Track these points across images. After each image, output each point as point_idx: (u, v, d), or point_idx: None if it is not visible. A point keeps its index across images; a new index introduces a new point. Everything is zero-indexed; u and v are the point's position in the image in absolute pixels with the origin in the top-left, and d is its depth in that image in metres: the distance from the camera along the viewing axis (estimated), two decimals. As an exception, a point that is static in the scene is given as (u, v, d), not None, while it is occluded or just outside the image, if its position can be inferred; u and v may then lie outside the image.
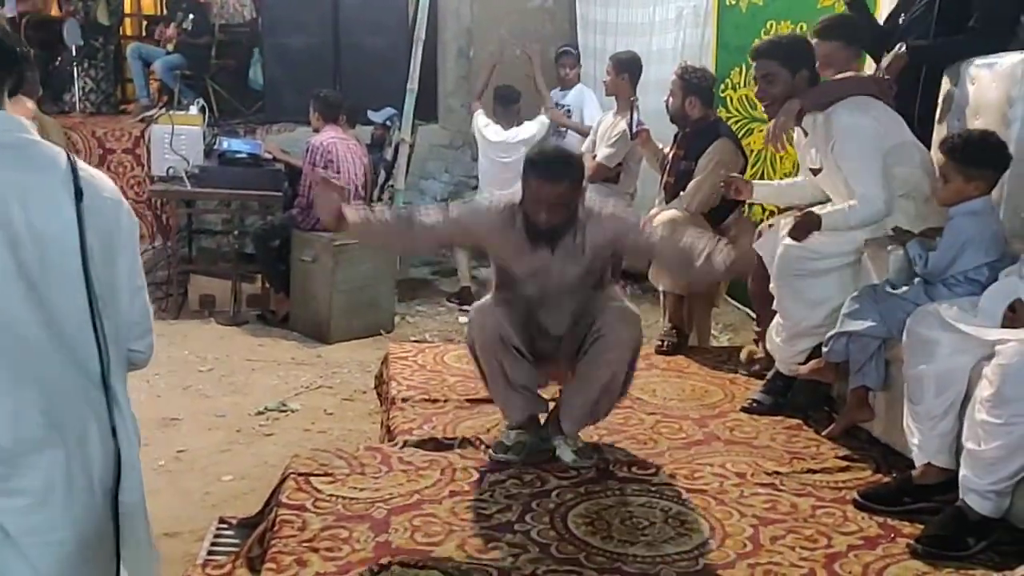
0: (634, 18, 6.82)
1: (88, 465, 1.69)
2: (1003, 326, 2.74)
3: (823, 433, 3.41)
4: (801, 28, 5.35)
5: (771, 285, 3.70)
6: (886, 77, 3.64)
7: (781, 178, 5.39)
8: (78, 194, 1.65)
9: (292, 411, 4.68)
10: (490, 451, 3.17)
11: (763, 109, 3.70)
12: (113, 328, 1.72)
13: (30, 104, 4.69)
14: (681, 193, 4.53)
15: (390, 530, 2.63)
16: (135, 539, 1.81)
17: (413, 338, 5.91)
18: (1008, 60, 3.35)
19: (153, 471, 3.95)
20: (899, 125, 3.48)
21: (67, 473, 1.66)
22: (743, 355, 4.25)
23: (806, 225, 3.47)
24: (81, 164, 1.71)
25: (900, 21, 3.87)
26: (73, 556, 1.67)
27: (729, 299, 5.69)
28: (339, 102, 6.28)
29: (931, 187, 3.33)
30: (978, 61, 3.46)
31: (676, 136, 4.74)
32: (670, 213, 4.41)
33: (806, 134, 3.63)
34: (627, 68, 5.18)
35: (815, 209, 3.53)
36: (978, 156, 3.02)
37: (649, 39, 6.58)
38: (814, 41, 3.67)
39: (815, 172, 3.64)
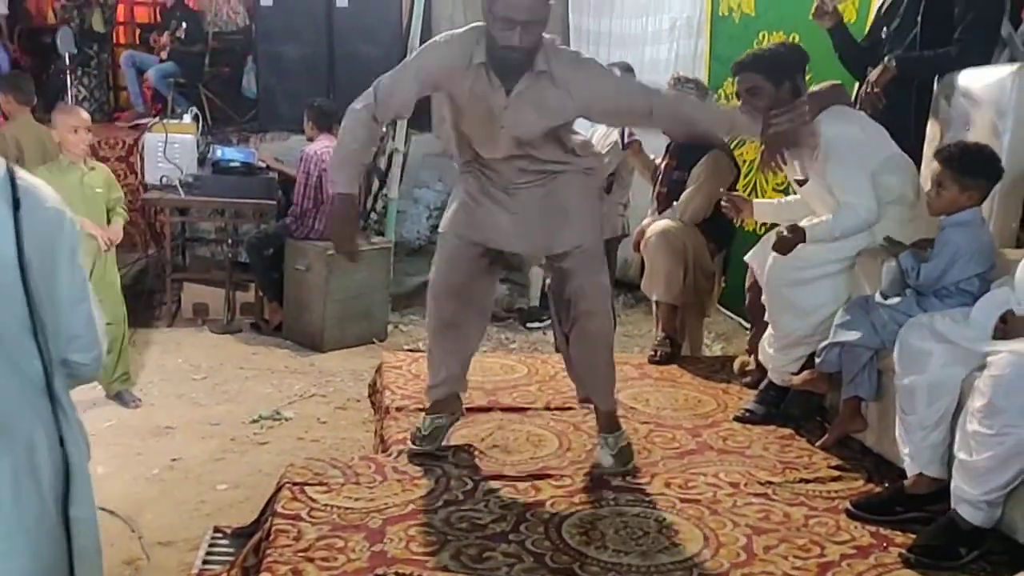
0: (627, 29, 6.87)
1: (37, 474, 1.68)
2: (994, 337, 2.76)
3: (816, 444, 3.42)
4: (794, 39, 5.39)
5: (762, 296, 3.72)
6: (875, 90, 3.67)
7: (773, 189, 5.44)
8: (16, 204, 1.64)
9: (286, 419, 4.69)
10: (409, 445, 3.23)
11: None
12: (55, 338, 1.71)
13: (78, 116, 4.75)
14: (674, 203, 4.55)
15: (385, 540, 2.64)
16: (88, 562, 1.78)
17: (406, 347, 5.91)
18: (998, 73, 3.39)
19: (147, 480, 3.96)
20: (883, 135, 3.50)
21: (15, 481, 1.64)
22: (736, 365, 4.27)
23: (790, 241, 3.46)
24: (22, 174, 1.69)
25: (883, 35, 3.89)
26: (27, 567, 1.65)
27: (721, 308, 5.72)
28: (333, 111, 6.28)
29: (920, 197, 3.35)
30: (969, 73, 3.49)
31: (668, 146, 4.76)
32: (663, 223, 4.44)
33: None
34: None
35: (801, 223, 3.55)
36: (974, 166, 3.05)
37: (642, 50, 6.62)
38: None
39: (800, 183, 3.66)
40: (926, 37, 3.67)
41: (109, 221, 4.85)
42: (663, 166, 4.74)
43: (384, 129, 2.95)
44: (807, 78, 3.68)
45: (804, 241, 3.45)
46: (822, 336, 3.36)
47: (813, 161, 3.48)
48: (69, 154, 4.74)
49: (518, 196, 3.06)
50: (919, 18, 3.69)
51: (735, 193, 4.07)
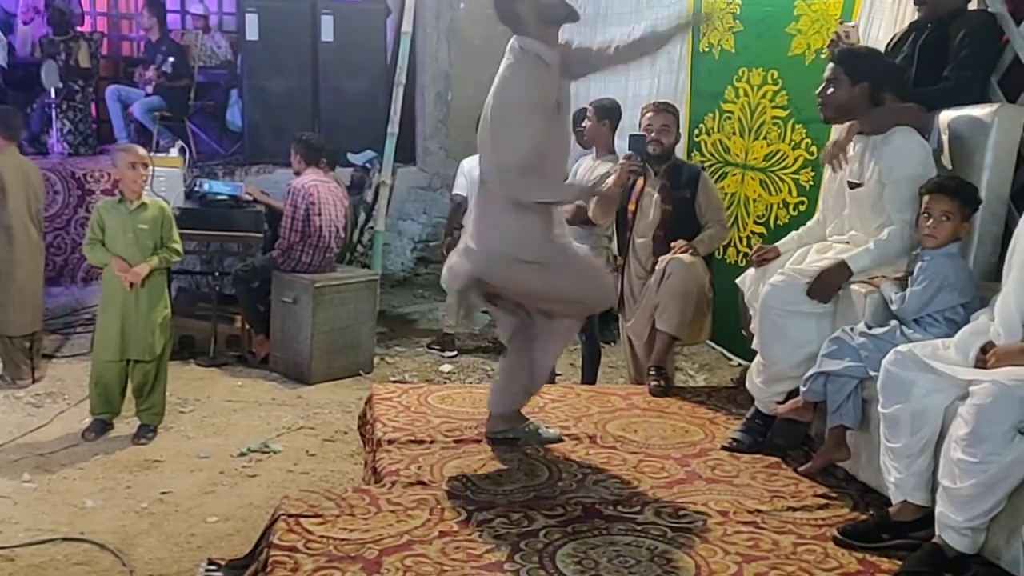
0: (610, 64, 6.99)
1: None
2: (975, 366, 2.83)
3: (800, 469, 3.48)
4: (772, 76, 5.53)
5: (752, 324, 3.78)
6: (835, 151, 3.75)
7: (755, 222, 5.54)
8: None
9: (274, 452, 4.69)
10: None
11: (818, 107, 3.76)
12: None
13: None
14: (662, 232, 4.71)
15: (382, 571, 2.66)
16: None
17: (393, 378, 5.96)
18: (978, 111, 3.49)
19: (136, 514, 3.96)
20: (935, 170, 3.51)
21: None
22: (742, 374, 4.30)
23: (833, 284, 3.50)
24: None
25: None
26: None
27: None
28: (321, 145, 6.35)
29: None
30: (951, 111, 3.59)
31: (655, 170, 4.78)
32: (687, 258, 4.50)
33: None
34: (608, 115, 5.29)
35: (832, 257, 3.56)
36: (972, 195, 3.17)
37: (625, 84, 6.72)
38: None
39: (852, 186, 3.63)
40: (920, 75, 3.78)
41: None
42: (657, 187, 4.75)
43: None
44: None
45: (849, 278, 3.48)
46: (807, 370, 3.41)
47: (877, 168, 3.51)
48: (127, 190, 4.77)
49: None
50: (915, 56, 3.80)
51: (767, 247, 3.99)
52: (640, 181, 4.77)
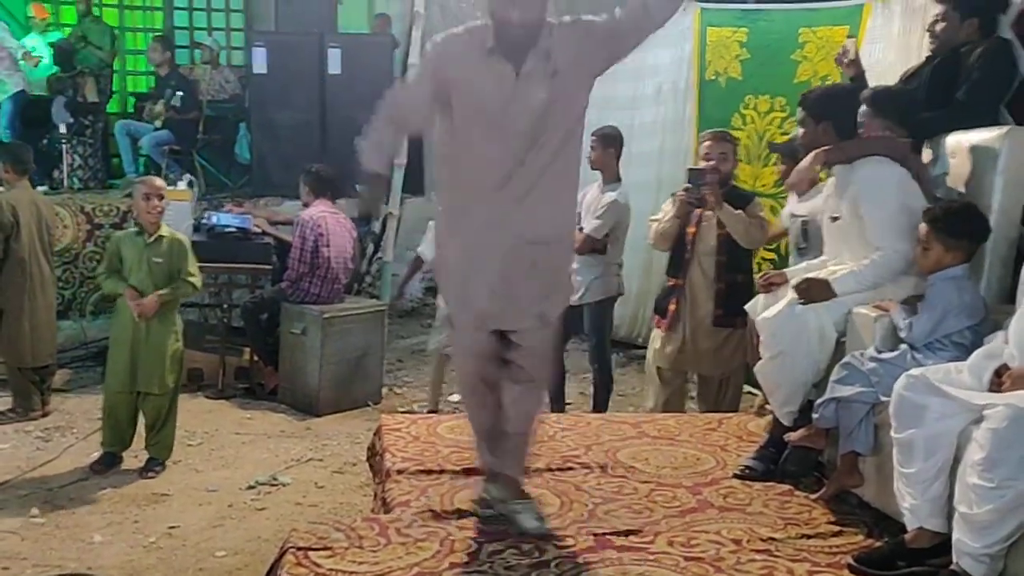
0: (616, 92, 7.01)
1: None
2: (989, 390, 2.80)
3: (813, 496, 3.44)
4: (778, 103, 5.55)
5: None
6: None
7: (766, 244, 5.52)
8: None
9: (283, 485, 4.68)
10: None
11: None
12: None
13: None
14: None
15: (391, 603, 2.63)
16: None
17: (401, 409, 5.93)
18: (987, 134, 3.48)
19: (144, 548, 3.94)
20: (917, 191, 3.55)
21: None
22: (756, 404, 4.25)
23: (813, 295, 3.53)
24: None
25: None
26: None
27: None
28: (330, 178, 6.37)
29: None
30: (960, 135, 3.59)
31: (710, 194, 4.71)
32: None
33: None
34: (612, 143, 5.30)
35: (823, 275, 3.60)
36: (958, 227, 3.14)
37: (632, 113, 6.75)
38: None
39: (833, 220, 3.73)
40: (932, 100, 3.79)
41: None
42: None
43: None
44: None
45: (830, 298, 3.51)
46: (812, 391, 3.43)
47: (850, 201, 3.56)
48: (143, 222, 4.82)
49: None
50: (927, 80, 3.82)
51: (774, 272, 4.01)
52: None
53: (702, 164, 4.72)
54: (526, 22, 2.90)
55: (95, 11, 9.08)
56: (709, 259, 4.74)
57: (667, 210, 4.87)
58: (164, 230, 4.83)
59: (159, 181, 4.96)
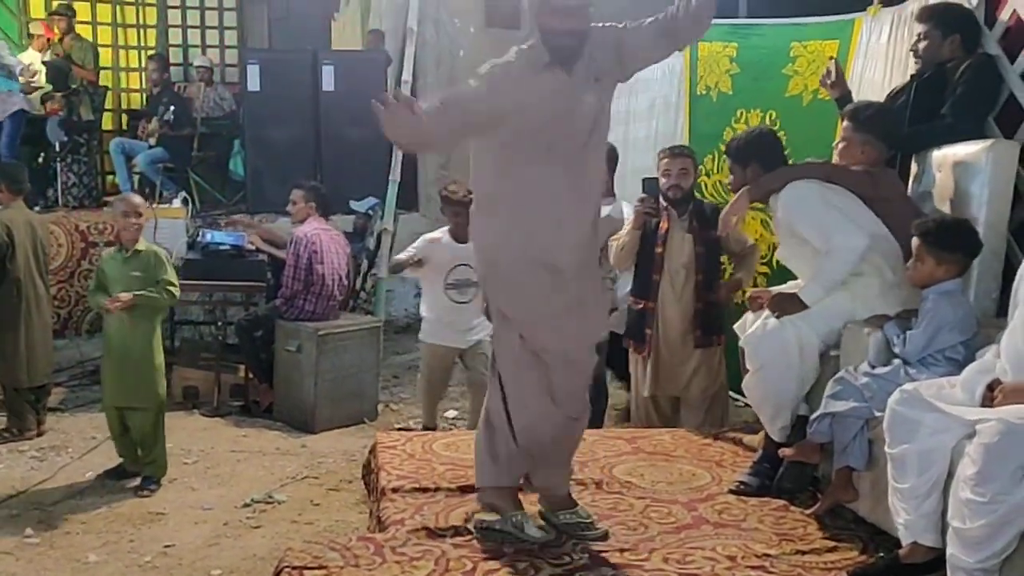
0: (612, 107, 7.06)
1: None
2: (982, 404, 2.81)
3: (807, 512, 3.45)
4: (769, 117, 5.57)
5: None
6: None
7: (759, 259, 5.53)
8: None
9: (279, 503, 4.66)
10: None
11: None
12: None
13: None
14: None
15: (387, 623, 2.63)
16: None
17: (397, 425, 5.92)
18: (972, 148, 3.50)
19: (140, 568, 3.93)
20: (853, 202, 3.60)
21: None
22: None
23: (788, 310, 3.59)
24: None
25: None
26: None
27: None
28: (324, 193, 6.39)
29: (901, 268, 3.45)
30: (945, 149, 3.61)
31: (678, 212, 4.74)
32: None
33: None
34: (607, 159, 5.31)
35: (790, 289, 3.67)
36: (950, 241, 3.16)
37: (625, 128, 6.77)
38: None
39: (785, 249, 3.86)
40: (916, 116, 3.82)
41: None
42: (687, 227, 4.70)
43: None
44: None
45: (806, 308, 3.56)
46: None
47: (784, 227, 3.68)
48: (122, 239, 4.89)
49: None
50: (913, 97, 3.85)
51: (761, 290, 4.08)
52: (664, 223, 4.74)
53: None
54: (582, 31, 3.03)
55: (81, 29, 9.08)
56: (680, 278, 4.70)
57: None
58: (141, 244, 4.87)
59: (137, 199, 5.00)
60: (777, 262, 5.39)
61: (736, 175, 3.95)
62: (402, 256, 5.51)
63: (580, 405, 3.32)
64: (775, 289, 3.95)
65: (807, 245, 3.64)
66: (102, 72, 9.54)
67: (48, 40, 8.67)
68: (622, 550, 3.12)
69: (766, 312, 3.69)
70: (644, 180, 4.72)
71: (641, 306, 4.81)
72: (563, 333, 3.16)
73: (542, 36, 3.06)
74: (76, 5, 9.40)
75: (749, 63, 5.78)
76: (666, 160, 4.79)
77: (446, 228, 5.35)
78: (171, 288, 4.87)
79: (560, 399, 3.20)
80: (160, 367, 4.88)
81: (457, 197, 5.18)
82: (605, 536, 3.20)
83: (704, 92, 6.16)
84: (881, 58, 4.96)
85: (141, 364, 4.80)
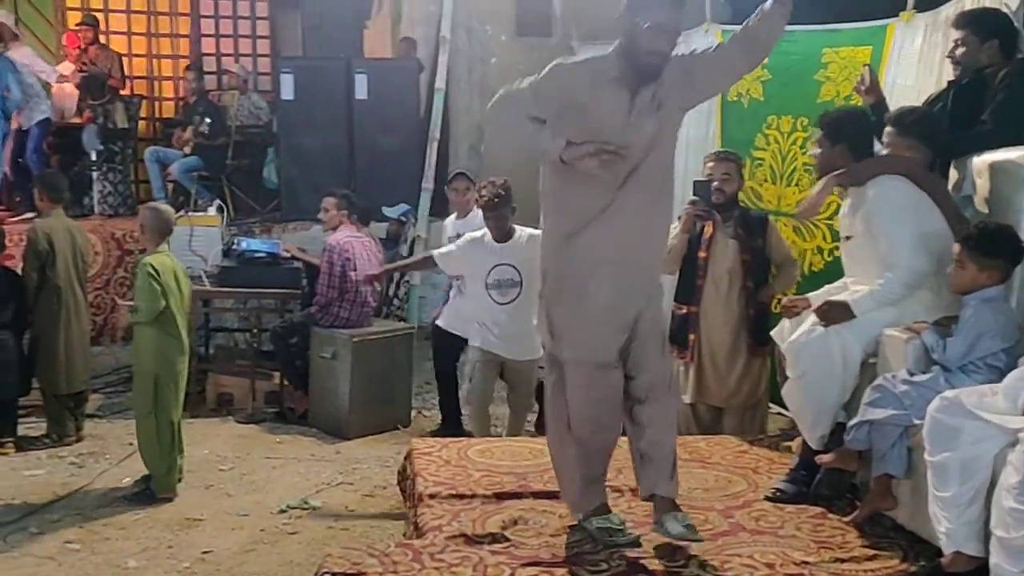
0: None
1: None
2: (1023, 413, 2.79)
3: (846, 519, 3.42)
4: (802, 123, 5.55)
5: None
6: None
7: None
8: None
9: (314, 509, 4.69)
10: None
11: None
12: None
13: None
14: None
15: (426, 629, 2.65)
16: None
17: (430, 431, 5.93)
18: (1013, 154, 3.47)
19: (178, 573, 3.97)
20: (932, 210, 3.58)
21: None
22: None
23: (833, 318, 3.56)
24: None
25: None
26: None
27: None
28: (357, 201, 6.44)
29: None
30: (986, 156, 3.58)
31: (723, 217, 4.74)
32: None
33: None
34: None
35: (844, 297, 3.62)
36: (993, 247, 3.14)
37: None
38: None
39: (846, 239, 3.79)
40: (955, 122, 3.80)
41: None
42: (732, 235, 4.71)
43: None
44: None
45: (853, 317, 3.54)
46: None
47: (862, 219, 3.61)
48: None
49: None
50: (951, 103, 3.83)
51: (797, 298, 4.03)
52: (709, 228, 4.73)
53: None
54: (667, 54, 3.04)
55: (115, 40, 9.19)
56: (725, 284, 4.70)
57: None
58: (146, 256, 4.95)
59: (149, 212, 5.08)
60: (810, 267, 5.39)
61: (824, 150, 3.81)
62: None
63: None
64: (811, 295, 3.93)
65: (871, 244, 3.60)
66: (136, 82, 9.68)
67: (76, 50, 8.80)
68: (659, 557, 3.12)
69: (810, 319, 3.65)
70: (695, 182, 4.74)
71: (684, 311, 4.79)
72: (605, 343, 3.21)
73: (627, 50, 3.06)
74: (111, 16, 9.54)
75: (781, 69, 5.76)
76: (711, 164, 4.81)
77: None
78: (131, 305, 4.99)
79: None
80: (147, 373, 4.83)
81: (483, 200, 5.19)
82: (637, 542, 3.19)
83: (736, 98, 6.14)
84: (914, 64, 4.94)
85: (136, 370, 4.94)
